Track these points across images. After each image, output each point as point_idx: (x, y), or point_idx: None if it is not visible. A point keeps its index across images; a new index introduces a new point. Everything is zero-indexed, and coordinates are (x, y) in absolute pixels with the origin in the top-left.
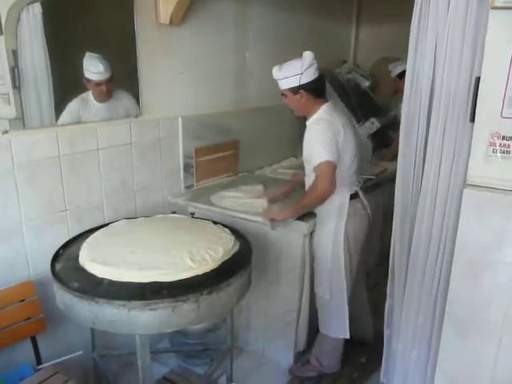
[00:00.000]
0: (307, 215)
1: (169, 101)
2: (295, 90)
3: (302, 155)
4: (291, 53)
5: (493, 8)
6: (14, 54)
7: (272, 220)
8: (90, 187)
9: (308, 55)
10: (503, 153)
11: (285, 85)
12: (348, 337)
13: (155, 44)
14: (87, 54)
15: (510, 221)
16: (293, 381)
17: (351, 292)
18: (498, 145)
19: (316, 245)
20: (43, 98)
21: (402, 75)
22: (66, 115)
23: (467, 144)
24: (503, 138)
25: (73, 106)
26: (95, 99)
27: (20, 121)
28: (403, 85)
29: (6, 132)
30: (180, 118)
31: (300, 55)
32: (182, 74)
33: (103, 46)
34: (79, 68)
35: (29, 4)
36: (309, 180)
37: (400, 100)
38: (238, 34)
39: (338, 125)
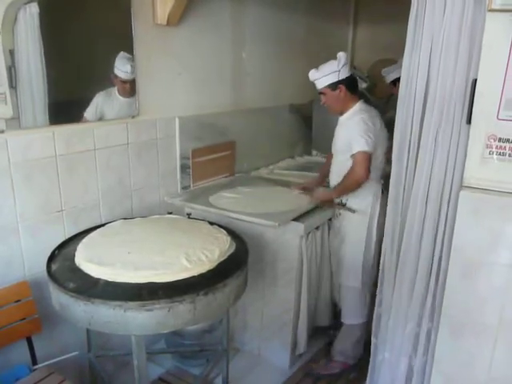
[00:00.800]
0: (304, 216)
1: (166, 101)
2: (334, 86)
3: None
4: (289, 54)
5: (490, 10)
6: (11, 54)
7: (319, 199)
8: (86, 187)
9: (343, 55)
10: (499, 155)
11: (324, 82)
12: (366, 319)
13: (152, 44)
14: (121, 53)
15: (506, 222)
16: (287, 382)
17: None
18: (494, 147)
19: (346, 232)
20: (40, 98)
21: (395, 82)
22: (90, 109)
23: (463, 146)
24: (499, 139)
25: (97, 99)
26: (119, 94)
27: (16, 120)
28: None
29: (2, 132)
30: (177, 119)
31: (298, 56)
32: (179, 75)
33: (100, 47)
34: (75, 68)
35: (26, 4)
36: (340, 169)
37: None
38: (236, 35)
39: (376, 118)
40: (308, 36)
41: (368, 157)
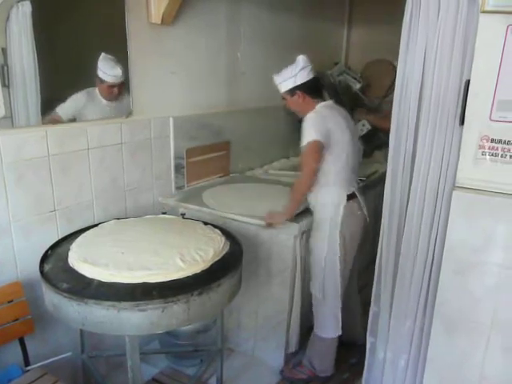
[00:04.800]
0: (299, 215)
1: (160, 101)
2: (292, 92)
3: (294, 155)
4: (283, 54)
5: (483, 12)
6: (4, 52)
7: (270, 225)
8: (79, 187)
9: (300, 59)
10: (492, 155)
11: (283, 88)
12: (340, 333)
13: (147, 44)
14: (103, 54)
15: (498, 222)
16: (282, 382)
17: (344, 293)
18: (487, 147)
19: (311, 243)
20: (32, 97)
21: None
22: (68, 106)
23: (457, 146)
24: (492, 140)
25: (78, 98)
26: (103, 97)
27: (9, 119)
28: None
29: None
30: (171, 119)
31: (292, 56)
32: (173, 74)
33: (93, 45)
34: (68, 67)
35: (19, 2)
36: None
37: None
38: (231, 35)
39: (330, 118)
40: (303, 36)
41: (316, 144)
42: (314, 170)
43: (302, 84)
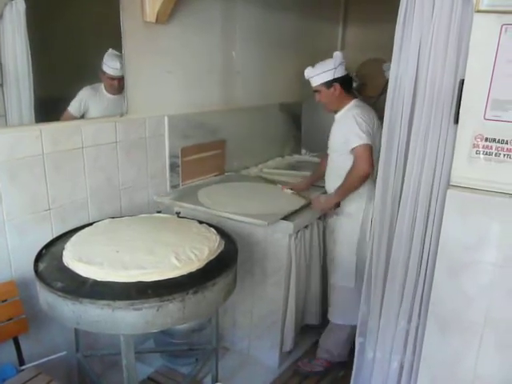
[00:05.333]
0: (294, 214)
1: (155, 99)
2: (329, 84)
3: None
4: (278, 52)
5: (477, 11)
6: None
7: (323, 210)
8: (74, 186)
9: (339, 54)
10: (486, 154)
11: (319, 80)
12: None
13: (141, 42)
14: (110, 50)
15: (492, 221)
16: (276, 381)
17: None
18: (481, 146)
19: (342, 233)
20: (26, 96)
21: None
22: (75, 103)
23: (451, 145)
24: (486, 139)
25: (83, 94)
26: (106, 90)
27: (3, 118)
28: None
29: None
30: (166, 117)
31: (288, 55)
32: (168, 73)
33: (88, 44)
34: (62, 66)
35: (12, 0)
36: (336, 169)
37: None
38: (226, 33)
39: (372, 115)
40: (298, 35)
41: (369, 148)
42: (369, 173)
43: (340, 77)
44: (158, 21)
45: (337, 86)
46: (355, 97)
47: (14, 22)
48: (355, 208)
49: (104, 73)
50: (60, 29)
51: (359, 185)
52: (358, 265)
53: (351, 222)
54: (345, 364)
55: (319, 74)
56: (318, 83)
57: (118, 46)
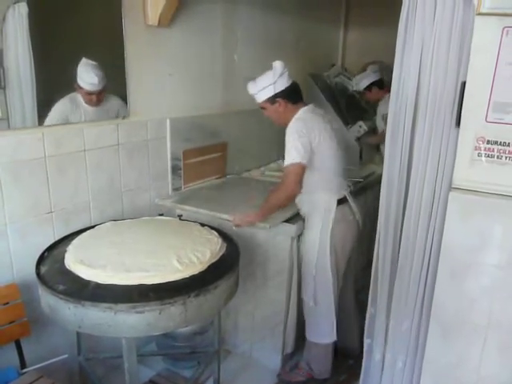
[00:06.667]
0: (295, 217)
1: (157, 102)
2: (272, 100)
3: None
4: (280, 55)
5: (478, 14)
6: (0, 54)
7: (238, 226)
8: (76, 189)
9: (278, 64)
10: (488, 156)
11: (262, 97)
12: (335, 338)
13: (143, 45)
14: (83, 60)
15: (494, 223)
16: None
17: (338, 299)
18: (482, 149)
19: (302, 250)
20: (28, 99)
21: (370, 87)
22: (53, 114)
23: (453, 148)
24: (488, 142)
25: (60, 106)
26: (86, 103)
27: (5, 121)
28: (374, 95)
29: None
30: (168, 120)
31: (289, 58)
32: (170, 76)
33: (90, 48)
34: (64, 69)
35: (15, 3)
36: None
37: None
38: (227, 36)
39: (314, 124)
40: (299, 38)
41: (299, 168)
42: (296, 193)
43: (282, 91)
44: (159, 24)
45: (280, 100)
46: (305, 104)
47: (17, 26)
48: (314, 221)
49: (80, 87)
50: (62, 32)
51: (286, 204)
52: (319, 282)
53: (312, 234)
54: (326, 380)
55: (261, 91)
56: (261, 100)
57: (120, 49)
